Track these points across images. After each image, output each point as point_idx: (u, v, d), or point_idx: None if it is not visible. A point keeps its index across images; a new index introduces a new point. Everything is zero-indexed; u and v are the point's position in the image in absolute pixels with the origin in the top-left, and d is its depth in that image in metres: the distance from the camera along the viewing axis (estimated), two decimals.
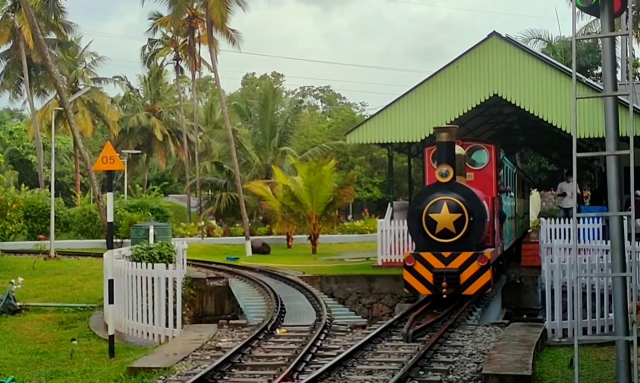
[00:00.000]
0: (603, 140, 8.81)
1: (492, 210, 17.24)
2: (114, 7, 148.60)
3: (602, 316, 13.40)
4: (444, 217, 15.24)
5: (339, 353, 10.96)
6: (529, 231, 33.27)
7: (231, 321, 14.52)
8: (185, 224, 45.40)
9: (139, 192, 55.12)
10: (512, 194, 22.92)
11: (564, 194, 25.65)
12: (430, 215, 15.34)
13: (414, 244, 16.57)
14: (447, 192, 15.38)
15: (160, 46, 59.16)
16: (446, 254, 15.24)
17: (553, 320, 13.17)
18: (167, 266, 14.37)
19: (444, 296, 15.02)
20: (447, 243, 15.28)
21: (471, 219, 15.24)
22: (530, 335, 11.96)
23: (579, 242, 19.31)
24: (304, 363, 10.53)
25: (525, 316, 18.53)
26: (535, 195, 52.75)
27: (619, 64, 27.54)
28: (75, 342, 14.39)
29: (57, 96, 40.32)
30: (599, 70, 40.82)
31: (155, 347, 12.85)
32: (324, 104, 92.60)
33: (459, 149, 16.50)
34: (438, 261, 15.26)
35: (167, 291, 13.72)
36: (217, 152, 59.88)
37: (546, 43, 45.37)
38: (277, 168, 42.08)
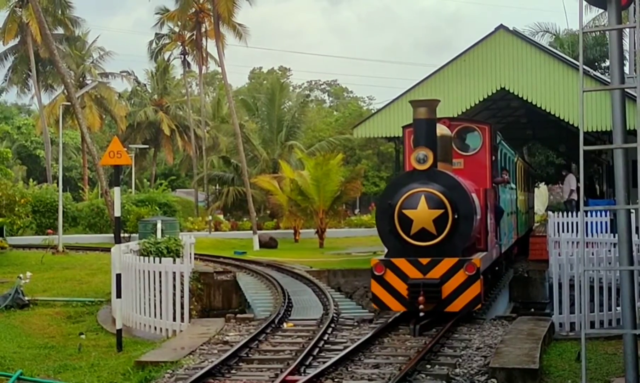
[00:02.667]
0: (610, 133, 8.82)
1: (484, 204, 14.62)
2: (121, 2, 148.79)
3: (609, 309, 13.37)
4: (422, 214, 12.46)
5: (346, 347, 10.96)
6: (534, 226, 32.56)
7: (238, 316, 14.55)
8: (192, 219, 45.50)
9: (146, 187, 55.36)
10: (513, 185, 20.64)
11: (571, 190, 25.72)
12: (405, 212, 12.56)
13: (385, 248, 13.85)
14: (425, 182, 12.61)
15: (167, 41, 59.19)
16: (424, 261, 12.56)
17: (561, 313, 13.14)
18: (174, 260, 14.39)
19: (421, 313, 12.27)
20: (426, 246, 12.56)
21: (456, 216, 12.49)
22: (537, 329, 11.94)
23: (587, 236, 19.28)
24: (311, 357, 10.54)
25: (532, 310, 18.48)
26: (542, 189, 52.66)
27: (627, 57, 27.38)
28: (83, 336, 14.44)
29: (65, 91, 40.43)
30: (607, 63, 40.65)
31: (162, 341, 12.88)
32: (331, 98, 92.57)
33: (443, 130, 13.91)
34: (414, 270, 12.58)
35: (174, 286, 13.74)
36: (225, 146, 59.98)
37: (554, 36, 45.23)
38: (284, 162, 42.12)
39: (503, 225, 17.55)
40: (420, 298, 12.20)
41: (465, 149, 15.68)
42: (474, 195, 13.62)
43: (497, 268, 17.21)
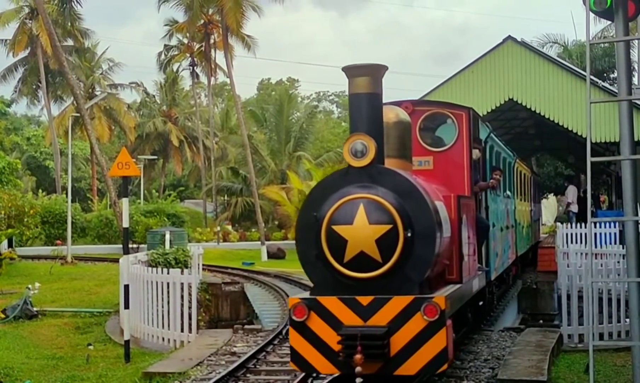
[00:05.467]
0: (619, 144, 8.70)
1: (456, 217, 9.98)
2: (131, 13, 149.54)
3: (618, 321, 13.32)
4: (360, 231, 8.30)
5: None
6: (541, 239, 29.91)
7: (246, 326, 14.59)
8: (201, 230, 45.59)
9: (155, 197, 55.47)
10: (509, 192, 16.84)
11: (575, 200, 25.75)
12: (336, 228, 8.36)
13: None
14: (366, 185, 8.49)
15: (176, 52, 59.49)
16: (365, 300, 8.39)
17: (569, 325, 13.11)
18: (182, 271, 14.41)
19: (359, 379, 8.03)
20: (367, 279, 8.34)
21: (409, 234, 8.29)
22: (546, 340, 11.91)
23: (596, 247, 19.24)
24: None
25: (541, 321, 18.41)
26: (552, 200, 52.55)
27: (635, 67, 27.37)
28: (91, 347, 14.47)
29: (74, 102, 40.63)
30: (616, 74, 40.58)
31: (170, 351, 12.91)
32: (339, 109, 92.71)
33: (400, 114, 9.83)
34: (350, 314, 8.43)
35: (182, 296, 13.77)
36: (233, 157, 60.15)
37: (562, 47, 45.22)
38: (292, 173, 42.24)
39: (494, 244, 13.61)
40: (358, 356, 8.06)
41: (436, 144, 11.50)
42: (439, 204, 9.33)
43: (481, 302, 13.00)
